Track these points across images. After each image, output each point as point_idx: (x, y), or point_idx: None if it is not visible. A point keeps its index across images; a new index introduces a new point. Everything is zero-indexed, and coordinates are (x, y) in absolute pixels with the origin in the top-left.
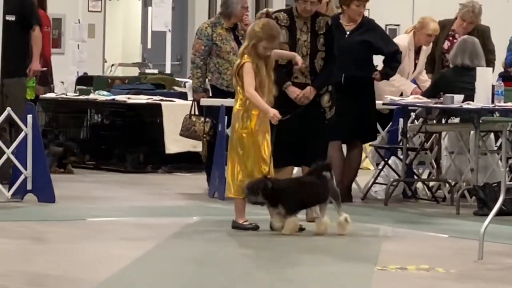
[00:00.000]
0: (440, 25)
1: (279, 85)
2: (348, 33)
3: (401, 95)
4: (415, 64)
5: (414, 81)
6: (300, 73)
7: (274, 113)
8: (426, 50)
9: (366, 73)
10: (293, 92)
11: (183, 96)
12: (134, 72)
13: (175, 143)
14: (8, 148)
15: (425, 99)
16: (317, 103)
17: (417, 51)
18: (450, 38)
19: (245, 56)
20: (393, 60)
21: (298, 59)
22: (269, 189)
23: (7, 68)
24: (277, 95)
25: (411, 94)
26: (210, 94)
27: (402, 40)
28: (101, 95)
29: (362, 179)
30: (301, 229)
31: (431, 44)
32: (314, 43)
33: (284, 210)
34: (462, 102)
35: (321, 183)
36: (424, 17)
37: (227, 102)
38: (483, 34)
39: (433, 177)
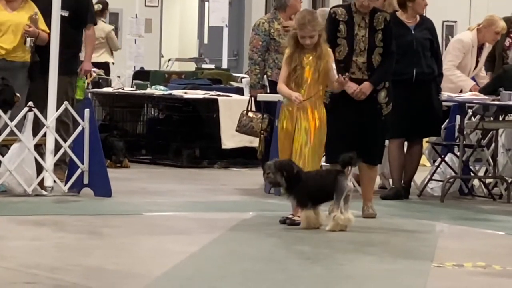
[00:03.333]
0: None
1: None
2: (413, 29)
3: (461, 91)
4: (477, 62)
5: (473, 78)
6: (358, 68)
7: (296, 96)
8: (488, 48)
9: (434, 68)
10: (350, 87)
11: (240, 91)
12: (191, 67)
13: (231, 138)
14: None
15: (482, 96)
16: (374, 99)
17: (479, 49)
18: (511, 35)
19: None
20: (441, 76)
21: (296, 96)
22: (293, 173)
23: (58, 65)
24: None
25: (470, 91)
26: (268, 90)
27: (466, 36)
28: (158, 90)
29: (419, 176)
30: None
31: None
32: (372, 39)
33: (296, 202)
34: None
35: (331, 178)
36: (492, 15)
37: None
38: None
39: (490, 174)
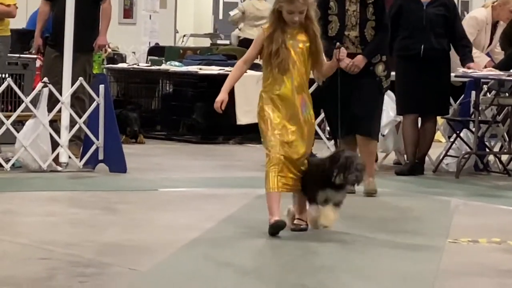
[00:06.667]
0: None
1: (329, 56)
2: (425, 5)
3: None
4: (491, 39)
5: (488, 54)
6: (351, 43)
7: (218, 100)
8: (502, 25)
9: (444, 45)
10: (343, 61)
11: (255, 67)
12: (206, 43)
13: (246, 114)
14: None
15: (498, 72)
16: (372, 73)
17: (493, 26)
18: None
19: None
20: (465, 45)
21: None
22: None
23: (75, 41)
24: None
25: (485, 67)
26: None
27: (480, 13)
28: (172, 66)
29: (434, 152)
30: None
31: None
32: (364, 13)
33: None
34: None
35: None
36: None
37: None
38: None
39: (505, 150)
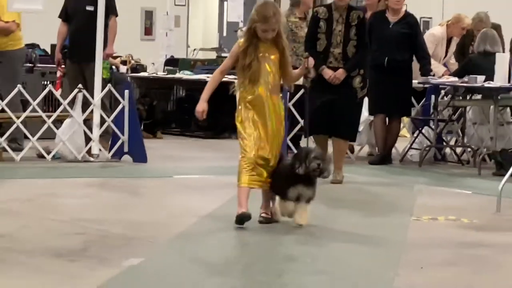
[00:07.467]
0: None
1: (316, 69)
2: (392, 24)
3: (433, 75)
4: (447, 52)
5: (445, 64)
6: (334, 58)
7: (198, 109)
8: (456, 40)
9: (406, 57)
10: (327, 73)
11: None
12: (212, 55)
13: None
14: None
15: (453, 79)
16: (349, 84)
17: (448, 40)
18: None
19: (241, 40)
20: (424, 57)
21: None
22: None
23: (88, 53)
24: (315, 77)
25: (442, 75)
26: None
27: (437, 30)
28: (185, 74)
29: (400, 145)
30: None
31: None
32: (347, 33)
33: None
34: (484, 81)
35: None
36: (459, 14)
37: None
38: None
39: (459, 144)
